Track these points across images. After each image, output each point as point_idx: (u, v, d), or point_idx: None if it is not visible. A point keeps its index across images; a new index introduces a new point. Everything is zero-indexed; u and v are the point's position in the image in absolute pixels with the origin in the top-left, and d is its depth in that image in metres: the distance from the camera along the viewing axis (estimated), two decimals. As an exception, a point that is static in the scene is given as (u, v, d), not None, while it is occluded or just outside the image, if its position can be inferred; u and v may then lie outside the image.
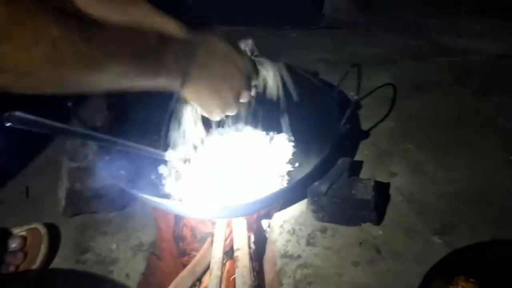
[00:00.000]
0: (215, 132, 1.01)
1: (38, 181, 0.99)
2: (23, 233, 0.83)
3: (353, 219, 0.81)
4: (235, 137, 0.98)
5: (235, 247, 0.89)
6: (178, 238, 1.03)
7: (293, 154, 0.96)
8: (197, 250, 0.98)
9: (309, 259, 0.78)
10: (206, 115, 0.77)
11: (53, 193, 0.93)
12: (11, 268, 0.78)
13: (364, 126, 1.05)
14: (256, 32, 1.25)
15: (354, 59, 1.22)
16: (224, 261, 0.90)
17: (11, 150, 1.02)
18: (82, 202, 0.87)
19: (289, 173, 0.94)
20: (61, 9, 0.44)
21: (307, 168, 0.80)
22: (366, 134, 1.03)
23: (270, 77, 0.94)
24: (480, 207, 0.84)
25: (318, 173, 0.81)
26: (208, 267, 0.88)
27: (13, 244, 0.81)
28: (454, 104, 1.11)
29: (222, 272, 0.85)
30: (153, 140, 0.99)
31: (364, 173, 0.93)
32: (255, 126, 1.00)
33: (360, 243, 0.79)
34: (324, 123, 0.88)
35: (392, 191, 0.89)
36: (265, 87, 0.94)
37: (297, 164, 0.94)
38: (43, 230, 0.84)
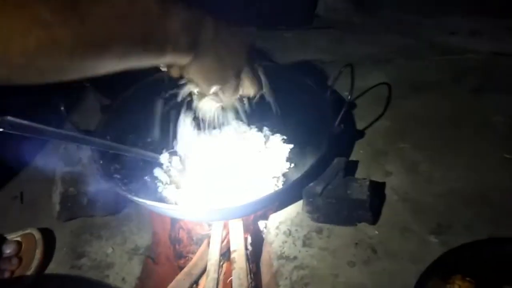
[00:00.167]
0: (210, 133, 1.01)
1: (32, 186, 0.98)
2: (18, 239, 0.83)
3: (349, 219, 0.81)
4: (230, 138, 0.98)
5: (231, 249, 0.89)
6: (175, 240, 1.02)
7: (288, 155, 0.96)
8: (194, 253, 0.98)
9: (305, 260, 0.78)
10: (203, 91, 0.74)
11: (47, 198, 0.93)
12: (6, 274, 0.77)
13: (359, 125, 1.05)
14: (250, 32, 1.24)
15: (349, 59, 1.22)
16: (221, 263, 0.90)
17: (4, 155, 1.01)
18: (76, 207, 0.86)
19: (284, 174, 0.94)
20: None
21: (302, 169, 0.80)
22: (361, 134, 1.03)
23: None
24: (476, 206, 0.84)
25: (313, 174, 0.80)
26: (205, 270, 0.88)
27: (8, 250, 0.80)
28: (450, 103, 1.11)
29: (219, 274, 0.85)
30: (147, 143, 0.98)
31: (359, 173, 0.93)
32: (250, 127, 1.00)
33: (356, 243, 0.79)
34: (318, 123, 0.88)
35: (387, 191, 0.88)
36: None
37: (292, 165, 0.94)
38: (37, 235, 0.83)
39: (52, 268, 0.81)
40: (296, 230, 0.84)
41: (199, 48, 0.62)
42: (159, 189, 0.92)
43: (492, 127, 1.02)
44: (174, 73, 0.71)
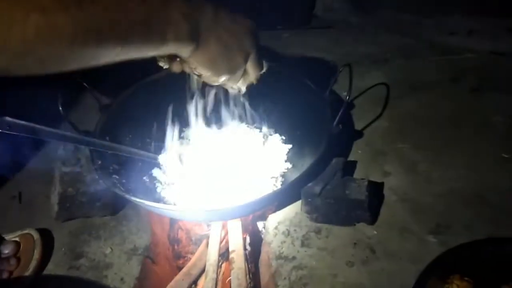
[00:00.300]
0: (209, 133, 1.01)
1: (30, 186, 0.98)
2: (16, 239, 0.83)
3: (347, 219, 0.81)
4: (229, 138, 0.98)
5: (230, 249, 0.88)
6: (173, 241, 1.02)
7: (287, 155, 0.96)
8: (193, 253, 0.98)
9: (304, 260, 0.78)
10: (210, 81, 0.73)
11: (46, 198, 0.93)
12: (4, 275, 0.77)
13: (358, 126, 1.05)
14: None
15: (348, 59, 1.22)
16: (220, 263, 0.90)
17: (2, 155, 1.01)
18: (75, 207, 0.86)
19: (283, 174, 0.94)
20: None
21: (301, 169, 0.80)
22: (359, 134, 1.03)
23: None
24: (475, 206, 0.84)
25: (312, 174, 0.80)
26: (203, 270, 0.88)
27: (6, 250, 0.80)
28: (449, 103, 1.11)
29: (217, 275, 0.85)
30: (146, 143, 0.98)
31: (357, 173, 0.93)
32: (248, 126, 1.00)
33: (355, 243, 0.79)
34: (317, 123, 0.88)
35: (386, 191, 0.88)
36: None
37: (290, 165, 0.94)
38: (36, 236, 0.83)
39: (51, 268, 0.81)
40: (295, 230, 0.84)
41: (201, 35, 0.61)
42: (158, 190, 0.92)
43: (491, 127, 1.02)
44: (176, 68, 0.71)
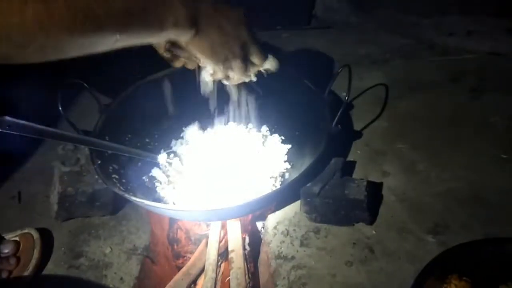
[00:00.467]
0: (208, 132, 1.01)
1: (30, 186, 0.98)
2: (16, 238, 0.83)
3: (346, 219, 0.81)
4: (228, 138, 0.98)
5: (229, 249, 0.89)
6: (173, 240, 1.03)
7: (286, 155, 0.96)
8: (192, 253, 0.98)
9: (303, 260, 0.78)
10: (210, 71, 0.74)
11: (45, 198, 0.93)
12: (4, 274, 0.77)
13: (357, 126, 1.05)
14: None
15: (347, 59, 1.22)
16: (219, 263, 0.90)
17: (2, 155, 1.02)
18: (74, 207, 0.86)
19: (282, 174, 0.94)
20: None
21: (300, 169, 0.80)
22: (358, 134, 1.03)
23: None
24: (473, 206, 0.84)
25: (311, 174, 0.81)
26: (203, 269, 0.88)
27: (6, 249, 0.80)
28: (447, 103, 1.12)
29: (216, 274, 0.86)
30: (145, 143, 0.99)
31: (356, 173, 0.93)
32: (248, 126, 1.01)
33: (354, 243, 0.79)
34: (316, 123, 0.88)
35: (385, 191, 0.89)
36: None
37: (290, 165, 0.94)
38: (36, 235, 0.83)
39: (50, 268, 0.81)
40: (294, 230, 0.84)
41: (200, 21, 0.62)
42: (157, 189, 0.92)
43: (490, 128, 1.03)
44: (178, 64, 0.71)
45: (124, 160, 0.89)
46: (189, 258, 0.96)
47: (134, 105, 0.96)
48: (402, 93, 1.16)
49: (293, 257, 0.79)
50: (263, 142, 0.98)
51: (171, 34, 0.60)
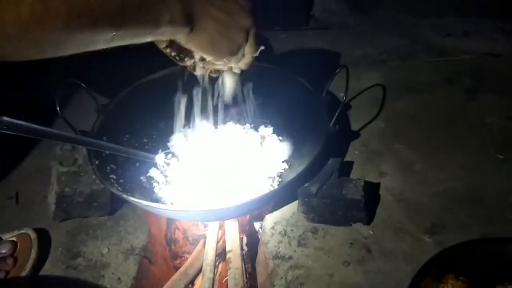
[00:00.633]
0: (205, 132, 1.01)
1: (27, 186, 0.98)
2: (13, 238, 0.83)
3: (344, 219, 0.81)
4: (226, 138, 0.98)
5: (227, 249, 0.89)
6: (170, 241, 1.03)
7: (284, 155, 0.96)
8: (190, 253, 0.98)
9: (301, 260, 0.78)
10: (212, 64, 0.74)
11: (43, 198, 0.93)
12: (1, 274, 0.77)
13: (354, 126, 1.06)
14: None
15: (345, 60, 1.23)
16: (217, 263, 0.90)
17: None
18: (72, 207, 0.86)
19: (280, 174, 0.94)
20: None
21: (298, 169, 0.80)
22: (356, 135, 1.03)
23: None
24: (470, 206, 0.84)
25: (308, 174, 0.81)
26: (200, 270, 0.88)
27: (3, 250, 0.80)
28: (444, 103, 1.12)
29: (214, 274, 0.86)
30: (143, 143, 0.99)
31: (354, 173, 0.94)
32: (245, 126, 1.01)
33: (351, 243, 0.80)
34: (314, 124, 0.89)
35: (382, 191, 0.89)
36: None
37: (287, 166, 0.95)
38: (33, 235, 0.83)
39: (48, 268, 0.81)
40: (292, 230, 0.84)
41: (195, 17, 0.61)
42: (155, 190, 0.93)
43: (486, 128, 1.03)
44: (180, 62, 0.72)
45: (122, 161, 0.89)
46: (187, 258, 0.96)
47: (132, 106, 0.96)
48: (399, 94, 1.16)
49: (290, 257, 0.79)
50: (261, 143, 0.98)
51: (167, 32, 0.60)
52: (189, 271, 0.89)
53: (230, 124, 1.01)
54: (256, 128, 1.01)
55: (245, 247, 0.93)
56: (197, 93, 0.89)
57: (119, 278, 0.79)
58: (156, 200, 0.91)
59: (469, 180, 0.90)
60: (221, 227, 0.95)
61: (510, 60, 1.27)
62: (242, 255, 0.89)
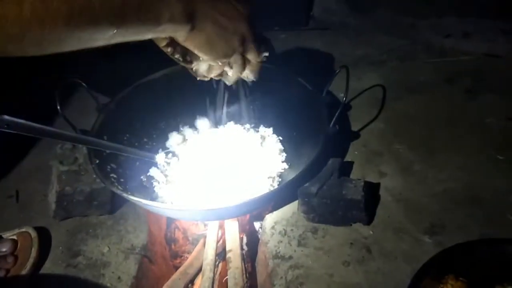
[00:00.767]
0: (206, 133, 1.01)
1: (28, 185, 0.98)
2: (14, 237, 0.83)
3: (344, 219, 0.82)
4: (226, 138, 0.98)
5: (227, 249, 0.89)
6: (170, 240, 1.03)
7: (284, 155, 0.97)
8: (189, 252, 0.98)
9: (301, 260, 0.78)
10: (209, 64, 0.74)
11: (43, 197, 0.93)
12: (2, 273, 0.77)
13: (354, 127, 1.06)
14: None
15: (344, 60, 1.23)
16: (217, 262, 0.90)
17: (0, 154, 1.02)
18: (72, 206, 0.86)
19: (280, 174, 0.94)
20: None
21: (298, 169, 0.80)
22: (356, 135, 1.03)
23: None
24: (470, 207, 0.85)
25: (308, 174, 0.81)
26: (200, 269, 0.89)
27: (4, 248, 0.80)
28: (443, 104, 1.12)
29: (214, 274, 0.86)
30: (143, 142, 0.99)
31: (354, 174, 0.94)
32: (245, 126, 1.01)
33: (351, 243, 0.80)
34: (314, 124, 0.89)
35: (382, 191, 0.89)
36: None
37: (287, 166, 0.95)
38: (33, 234, 0.83)
39: (48, 266, 0.81)
40: (292, 230, 0.84)
41: (196, 17, 0.62)
42: (155, 189, 0.93)
43: (485, 128, 1.03)
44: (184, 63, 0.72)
45: (122, 160, 0.89)
46: (187, 257, 0.96)
47: (132, 105, 0.96)
48: (399, 94, 1.16)
49: (290, 257, 0.79)
50: (261, 143, 0.98)
51: (167, 30, 0.60)
52: (189, 271, 0.89)
53: (230, 124, 1.01)
54: (256, 128, 1.01)
55: (245, 247, 0.93)
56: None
57: (119, 277, 0.79)
58: (156, 199, 0.91)
59: (469, 181, 0.90)
60: (221, 226, 0.95)
61: (510, 60, 1.27)
62: (242, 255, 0.89)
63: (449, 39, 1.43)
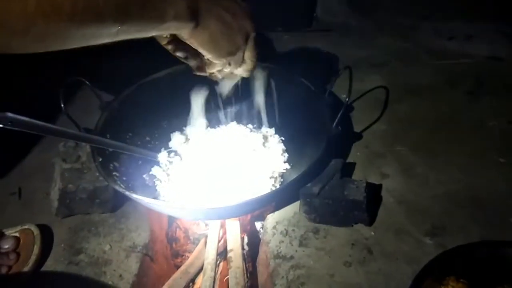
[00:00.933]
0: (209, 132, 1.02)
1: (30, 183, 0.98)
2: (16, 234, 0.83)
3: (345, 220, 0.82)
4: (229, 138, 0.99)
5: (228, 248, 0.89)
6: (171, 239, 1.03)
7: (286, 155, 0.97)
8: (190, 252, 0.99)
9: (302, 260, 0.79)
10: (212, 62, 0.74)
11: (45, 195, 0.93)
12: (4, 269, 0.77)
13: (357, 128, 1.06)
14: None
15: (347, 62, 1.23)
16: (218, 262, 0.90)
17: (3, 151, 1.02)
18: (75, 203, 0.87)
19: (282, 174, 0.94)
20: None
21: (300, 170, 0.80)
22: (358, 136, 1.03)
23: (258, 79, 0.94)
24: (471, 209, 0.85)
25: (310, 175, 0.81)
26: (201, 268, 0.89)
27: (6, 245, 0.81)
28: (446, 106, 1.12)
29: (215, 273, 0.86)
30: (146, 141, 0.99)
31: (356, 175, 0.94)
32: (247, 126, 1.01)
33: (352, 244, 0.80)
34: (316, 125, 0.89)
35: (383, 193, 0.89)
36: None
37: (290, 166, 0.95)
38: (36, 231, 0.83)
39: (50, 264, 0.81)
40: (293, 230, 0.84)
41: (200, 14, 0.62)
42: (157, 188, 0.93)
43: (487, 131, 1.04)
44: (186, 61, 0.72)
45: (125, 158, 0.89)
46: (188, 257, 0.96)
47: (135, 104, 0.96)
48: (401, 96, 1.17)
49: (292, 257, 0.79)
50: (264, 143, 0.98)
51: (171, 28, 0.60)
52: (190, 270, 0.90)
53: (233, 124, 1.01)
54: (258, 128, 1.02)
55: (246, 247, 0.94)
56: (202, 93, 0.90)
57: (120, 275, 0.79)
58: (158, 198, 0.91)
59: (470, 183, 0.90)
60: (222, 226, 0.96)
61: (512, 64, 1.28)
62: (243, 255, 0.89)
63: (451, 42, 1.43)
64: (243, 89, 0.94)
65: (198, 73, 0.79)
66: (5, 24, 0.40)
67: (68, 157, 0.89)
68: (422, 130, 1.05)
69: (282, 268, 0.78)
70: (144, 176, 0.94)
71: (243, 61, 0.76)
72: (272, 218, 0.88)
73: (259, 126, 1.02)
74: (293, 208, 0.88)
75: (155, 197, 0.91)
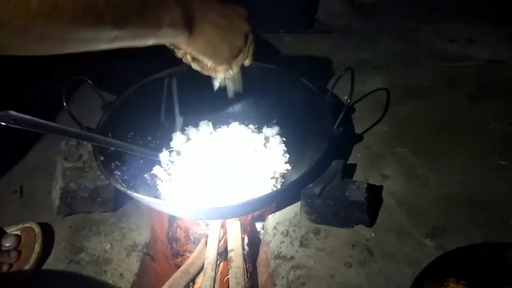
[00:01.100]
0: (210, 133, 1.02)
1: (31, 181, 0.98)
2: (17, 232, 0.83)
3: (346, 221, 0.82)
4: (230, 138, 0.99)
5: (229, 248, 0.89)
6: (172, 239, 1.03)
7: (287, 156, 0.97)
8: (191, 252, 0.99)
9: (302, 260, 0.79)
10: (213, 67, 0.75)
11: (46, 193, 0.93)
12: (5, 267, 0.78)
13: (358, 129, 1.06)
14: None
15: (348, 63, 1.23)
16: (218, 262, 0.90)
17: (4, 149, 1.02)
18: (76, 202, 0.87)
19: (283, 175, 0.94)
20: None
21: (301, 170, 0.81)
22: (359, 138, 1.04)
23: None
24: (471, 210, 0.85)
25: (311, 175, 0.81)
26: (201, 268, 0.89)
27: (7, 243, 0.81)
28: (447, 109, 1.13)
29: (216, 273, 0.86)
30: (147, 141, 0.99)
31: (357, 176, 0.94)
32: (249, 127, 1.01)
33: (353, 244, 0.80)
34: (318, 126, 0.89)
35: (384, 194, 0.90)
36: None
37: (291, 167, 0.95)
38: (37, 229, 0.84)
39: (51, 262, 0.82)
40: (294, 230, 0.85)
41: (194, 21, 0.62)
42: (158, 187, 0.93)
43: (488, 133, 1.04)
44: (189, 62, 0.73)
45: (126, 157, 0.90)
46: (188, 257, 0.96)
47: (137, 103, 0.97)
48: (402, 98, 1.17)
49: (292, 257, 0.80)
50: (265, 143, 0.99)
51: (168, 34, 0.61)
52: (190, 269, 0.90)
53: (235, 124, 1.02)
54: (260, 129, 1.02)
55: (246, 247, 0.94)
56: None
57: (121, 274, 0.79)
58: (159, 197, 0.91)
59: (471, 185, 0.91)
60: (222, 226, 0.96)
61: (513, 67, 1.28)
62: (244, 255, 0.89)
63: (453, 44, 1.44)
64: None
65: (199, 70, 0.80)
66: (7, 23, 0.41)
67: (69, 155, 0.89)
68: (423, 132, 1.05)
69: (282, 268, 0.78)
70: (146, 175, 0.94)
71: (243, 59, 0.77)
72: (273, 219, 0.88)
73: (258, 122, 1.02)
74: (294, 209, 0.88)
75: (156, 197, 0.91)
